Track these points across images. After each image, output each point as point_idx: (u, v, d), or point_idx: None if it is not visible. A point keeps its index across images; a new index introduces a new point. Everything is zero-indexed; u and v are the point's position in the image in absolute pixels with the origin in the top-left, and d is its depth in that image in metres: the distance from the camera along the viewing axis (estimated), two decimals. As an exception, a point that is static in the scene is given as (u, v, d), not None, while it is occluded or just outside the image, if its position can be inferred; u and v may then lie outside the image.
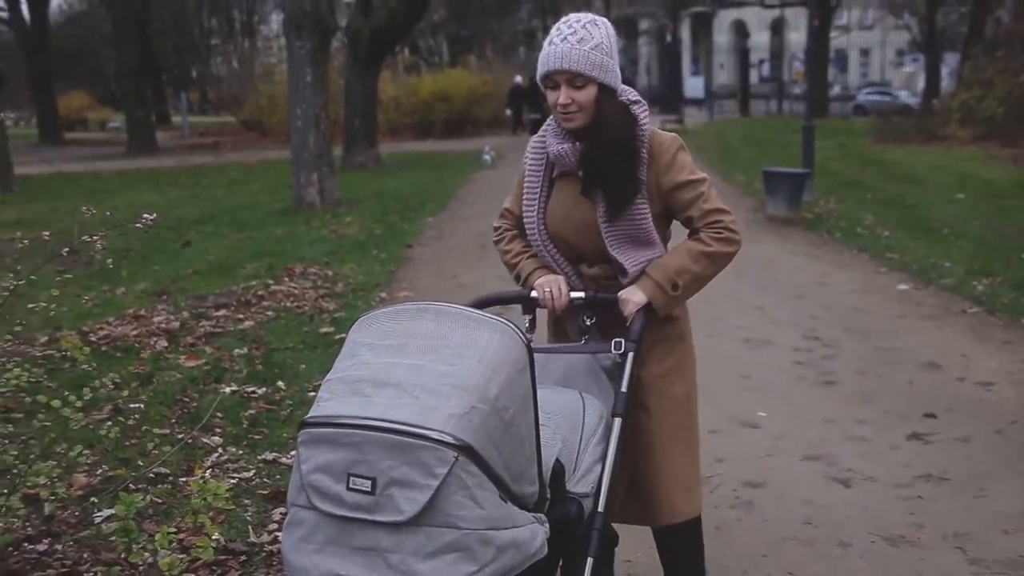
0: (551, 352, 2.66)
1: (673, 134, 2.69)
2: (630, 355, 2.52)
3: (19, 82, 36.52)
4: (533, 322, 2.71)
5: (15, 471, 3.03)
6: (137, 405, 4.99)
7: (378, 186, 16.27)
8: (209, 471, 4.13)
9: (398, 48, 31.50)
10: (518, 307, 2.76)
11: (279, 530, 3.67)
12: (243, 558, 3.45)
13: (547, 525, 1.99)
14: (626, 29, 56.49)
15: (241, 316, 7.16)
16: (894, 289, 7.92)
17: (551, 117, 2.70)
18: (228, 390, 5.34)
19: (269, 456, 4.42)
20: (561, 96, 2.54)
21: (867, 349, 6.14)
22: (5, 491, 3.02)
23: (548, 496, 2.10)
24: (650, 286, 2.59)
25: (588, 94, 2.53)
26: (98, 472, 4.15)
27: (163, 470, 4.14)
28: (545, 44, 2.55)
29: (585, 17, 2.55)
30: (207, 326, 6.84)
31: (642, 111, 2.63)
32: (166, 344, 6.36)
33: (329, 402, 1.93)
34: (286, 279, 8.52)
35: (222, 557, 3.41)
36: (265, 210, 13.65)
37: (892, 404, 5.07)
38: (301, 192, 13.76)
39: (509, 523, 1.87)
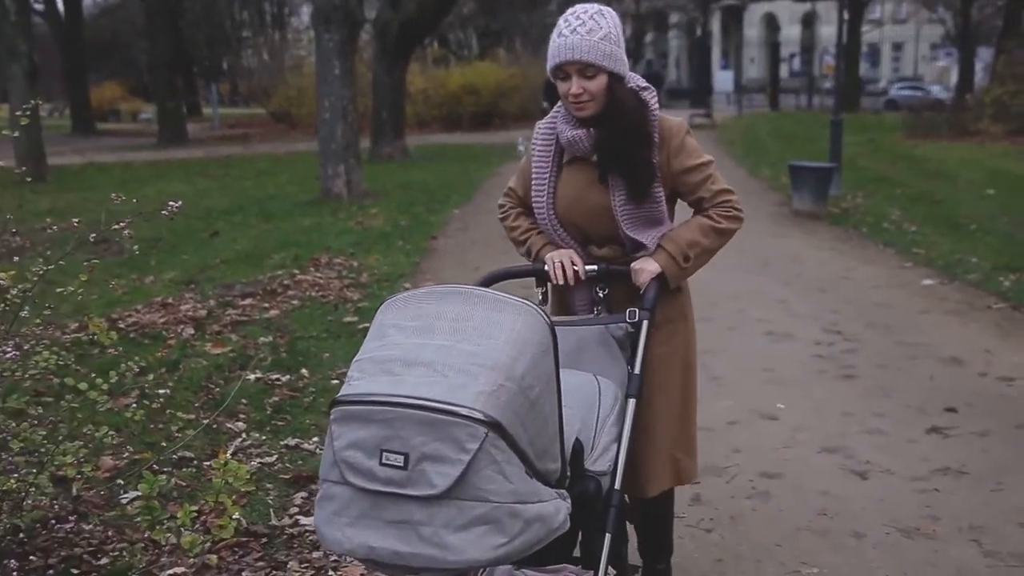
0: (564, 325, 2.71)
1: (680, 119, 2.76)
2: (644, 323, 2.59)
3: (53, 74, 36.96)
4: (546, 295, 2.79)
5: (43, 450, 3.11)
6: (163, 391, 5.09)
7: (405, 178, 16.34)
8: (232, 455, 4.21)
9: (427, 41, 31.59)
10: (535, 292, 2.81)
11: (300, 513, 3.74)
12: (264, 540, 3.52)
13: (569, 501, 2.05)
14: (656, 22, 56.29)
15: (267, 305, 7.25)
16: (918, 284, 7.88)
17: (559, 103, 2.75)
18: (252, 377, 5.42)
19: (292, 441, 4.50)
20: (573, 86, 2.59)
21: (889, 343, 6.13)
22: (34, 471, 3.10)
23: (568, 474, 2.16)
24: (664, 257, 2.68)
25: (599, 83, 2.59)
26: (124, 455, 4.25)
27: (187, 454, 4.22)
28: (554, 36, 2.60)
29: (592, 7, 2.60)
30: (233, 314, 6.94)
31: (651, 97, 2.70)
32: (193, 332, 6.46)
33: (360, 381, 1.97)
34: (312, 269, 8.61)
35: (244, 539, 3.48)
36: (292, 201, 13.77)
37: (912, 398, 5.06)
38: (328, 183, 13.86)
39: (535, 498, 1.92)
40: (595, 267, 2.73)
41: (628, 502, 2.90)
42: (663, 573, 3.11)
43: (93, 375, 3.30)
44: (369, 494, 1.90)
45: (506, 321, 1.99)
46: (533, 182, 2.80)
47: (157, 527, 3.02)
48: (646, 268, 2.67)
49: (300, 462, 4.27)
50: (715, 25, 57.52)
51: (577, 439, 2.26)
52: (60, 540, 3.34)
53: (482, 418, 1.83)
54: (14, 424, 3.11)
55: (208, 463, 4.07)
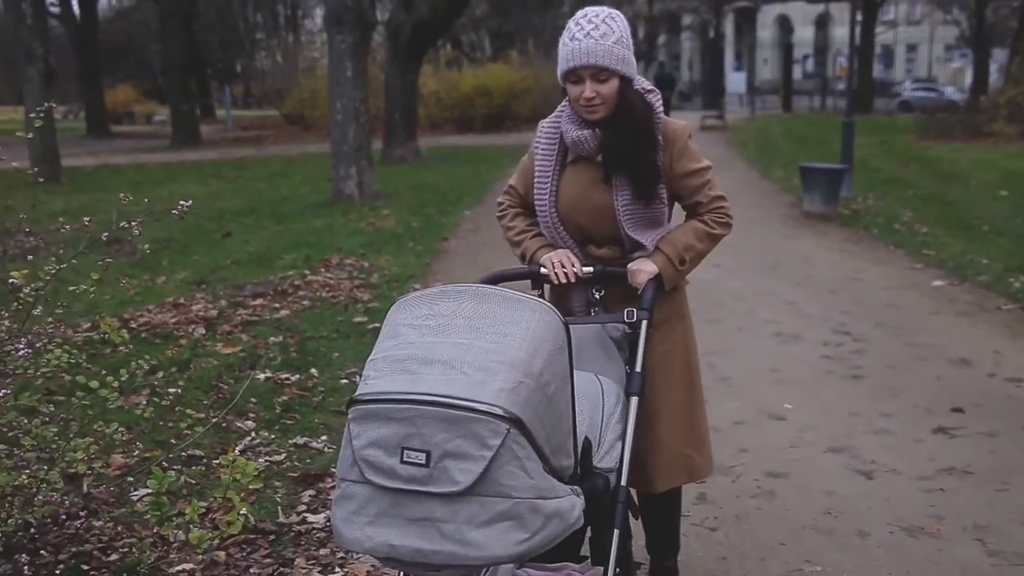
0: (568, 323, 2.74)
1: (684, 123, 2.79)
2: (643, 323, 2.62)
3: (68, 76, 37.13)
4: (542, 297, 2.79)
5: (54, 447, 3.15)
6: (174, 389, 5.13)
7: (416, 179, 16.38)
8: (241, 453, 4.25)
9: (440, 43, 31.63)
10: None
11: (308, 511, 3.78)
12: (272, 537, 3.55)
13: (582, 497, 2.06)
14: (669, 24, 56.19)
15: (277, 305, 7.29)
16: (928, 285, 7.87)
17: (563, 104, 2.78)
18: (262, 376, 5.46)
19: (300, 440, 4.53)
20: (586, 90, 2.62)
21: (897, 344, 6.13)
22: (45, 467, 3.14)
23: (579, 471, 2.18)
24: (662, 259, 2.72)
25: (611, 87, 2.63)
26: (134, 452, 4.29)
27: (197, 452, 4.27)
28: (565, 40, 2.63)
29: (602, 11, 2.63)
30: (244, 315, 6.99)
31: (656, 100, 2.74)
32: (204, 331, 6.51)
33: (378, 380, 1.98)
34: (322, 270, 8.65)
35: (252, 536, 3.52)
36: (304, 202, 13.82)
37: (919, 399, 5.06)
38: (340, 185, 13.90)
39: (553, 493, 1.94)
40: (591, 268, 2.76)
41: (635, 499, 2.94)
42: (670, 570, 3.13)
43: (104, 373, 3.33)
44: (390, 492, 1.91)
45: (522, 319, 2.01)
46: (536, 180, 2.82)
47: (166, 523, 3.06)
48: (644, 269, 2.71)
49: (308, 460, 4.30)
50: (728, 27, 57.37)
51: (586, 437, 2.29)
52: (71, 536, 3.38)
53: (503, 414, 1.85)
54: (26, 421, 3.15)
55: (217, 461, 4.11)
